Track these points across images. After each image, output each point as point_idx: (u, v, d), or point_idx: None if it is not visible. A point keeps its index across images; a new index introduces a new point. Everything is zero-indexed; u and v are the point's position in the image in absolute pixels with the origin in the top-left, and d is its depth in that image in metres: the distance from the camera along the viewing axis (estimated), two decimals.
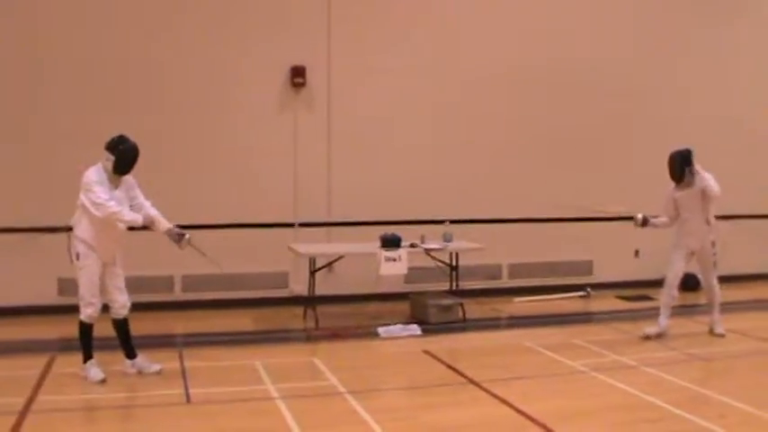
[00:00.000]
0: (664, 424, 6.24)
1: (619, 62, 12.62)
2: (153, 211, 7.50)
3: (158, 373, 7.59)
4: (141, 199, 7.55)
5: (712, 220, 9.15)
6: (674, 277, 9.27)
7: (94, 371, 7.34)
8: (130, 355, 7.65)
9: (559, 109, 12.33)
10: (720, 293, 9.48)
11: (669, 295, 9.30)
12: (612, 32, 12.63)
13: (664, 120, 12.54)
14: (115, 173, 7.28)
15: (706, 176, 8.97)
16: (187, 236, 7.41)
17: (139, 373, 7.58)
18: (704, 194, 9.01)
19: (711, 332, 9.44)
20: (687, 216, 9.18)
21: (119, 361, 7.72)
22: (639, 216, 9.34)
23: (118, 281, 7.49)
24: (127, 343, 7.64)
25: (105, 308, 7.50)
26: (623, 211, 9.55)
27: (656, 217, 9.41)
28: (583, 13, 12.52)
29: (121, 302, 7.50)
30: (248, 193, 11.05)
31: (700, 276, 9.56)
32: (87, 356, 7.39)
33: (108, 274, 7.41)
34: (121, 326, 7.58)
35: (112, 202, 7.11)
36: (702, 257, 9.27)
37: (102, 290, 7.43)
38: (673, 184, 9.22)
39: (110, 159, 7.23)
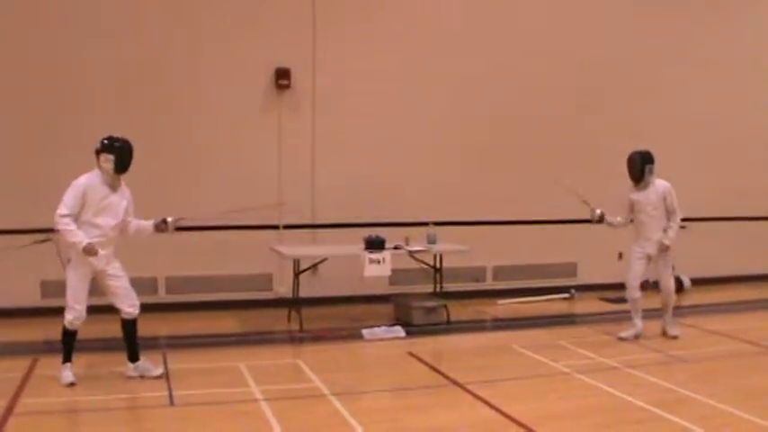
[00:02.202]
0: (646, 425, 6.27)
1: (613, 63, 12.72)
2: (135, 222, 7.69)
3: (160, 376, 7.54)
4: (131, 216, 7.65)
5: (671, 235, 9.24)
6: (632, 280, 9.35)
7: (66, 374, 7.29)
8: (133, 357, 7.61)
9: (543, 111, 12.36)
10: (675, 297, 9.65)
11: (632, 299, 9.39)
12: (606, 33, 12.74)
13: (649, 123, 12.59)
14: (116, 172, 7.32)
15: (668, 187, 9.24)
16: (169, 219, 7.74)
17: (141, 376, 7.54)
18: (664, 203, 9.21)
19: (664, 334, 9.50)
20: (643, 219, 9.30)
21: (107, 363, 7.75)
22: (598, 211, 9.42)
23: (119, 282, 7.46)
24: (131, 345, 7.60)
25: (101, 310, 7.51)
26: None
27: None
28: (570, 17, 12.58)
29: (128, 302, 7.48)
30: (232, 195, 10.96)
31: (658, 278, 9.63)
32: (66, 359, 7.36)
33: (107, 278, 7.40)
34: (127, 327, 7.55)
35: (67, 220, 7.10)
36: (659, 261, 9.34)
37: (108, 295, 7.50)
38: (631, 185, 9.34)
39: (109, 160, 7.25)
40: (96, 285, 7.44)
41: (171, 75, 10.83)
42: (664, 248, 9.22)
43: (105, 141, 7.32)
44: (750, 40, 13.84)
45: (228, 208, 10.33)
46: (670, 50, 13.07)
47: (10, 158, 10.24)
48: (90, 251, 7.06)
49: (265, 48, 11.15)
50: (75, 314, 7.22)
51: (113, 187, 7.35)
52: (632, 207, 9.36)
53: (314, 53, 11.40)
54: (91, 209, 7.19)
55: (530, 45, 12.29)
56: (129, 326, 7.55)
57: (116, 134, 7.42)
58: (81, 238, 7.07)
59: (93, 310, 7.37)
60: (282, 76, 11.23)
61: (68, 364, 7.35)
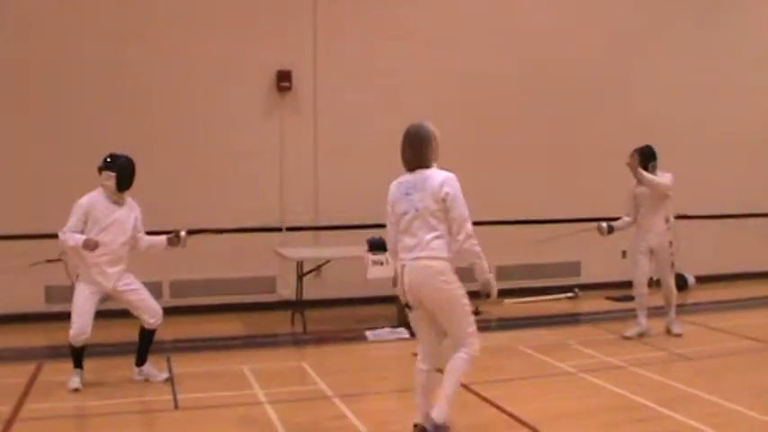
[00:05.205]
0: (652, 424, 6.26)
1: (616, 60, 12.76)
2: (147, 239, 7.66)
3: (165, 381, 7.56)
4: (141, 231, 7.63)
5: (671, 219, 9.28)
6: (640, 277, 9.36)
7: (73, 379, 7.29)
8: (139, 362, 7.62)
9: (546, 111, 12.36)
10: (677, 294, 9.63)
11: (640, 295, 9.38)
12: (609, 30, 12.74)
13: (653, 120, 12.56)
14: (119, 189, 7.31)
15: (659, 174, 9.19)
16: (182, 233, 7.68)
17: (146, 380, 7.56)
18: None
19: (668, 332, 9.49)
20: (645, 213, 9.30)
21: (112, 367, 7.79)
22: (604, 225, 9.44)
23: (136, 295, 7.44)
24: (142, 351, 7.61)
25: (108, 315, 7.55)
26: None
27: (617, 219, 9.51)
28: (571, 15, 12.59)
29: (150, 313, 7.48)
30: (235, 198, 11.03)
31: (658, 276, 9.61)
32: (76, 365, 7.36)
33: (122, 294, 7.40)
34: (145, 334, 7.57)
35: (66, 234, 7.11)
36: (660, 257, 9.35)
37: (129, 309, 7.52)
38: (634, 182, 9.31)
39: (110, 177, 7.25)
40: (107, 299, 7.45)
41: (172, 78, 10.84)
42: (667, 242, 9.26)
43: (107, 159, 7.33)
44: (755, 35, 13.83)
45: (232, 212, 10.46)
46: (674, 46, 13.10)
47: (12, 164, 10.25)
48: (89, 245, 7.04)
49: (266, 50, 11.15)
50: (76, 329, 7.19)
51: (118, 203, 7.35)
52: (635, 201, 9.37)
53: (315, 55, 11.40)
54: (96, 226, 7.19)
55: (531, 43, 12.26)
56: (147, 334, 7.58)
57: (118, 145, 7.49)
58: (77, 238, 7.08)
59: (97, 315, 7.34)
60: (284, 79, 11.23)
61: (78, 370, 7.35)
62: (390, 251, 6.04)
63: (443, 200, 5.67)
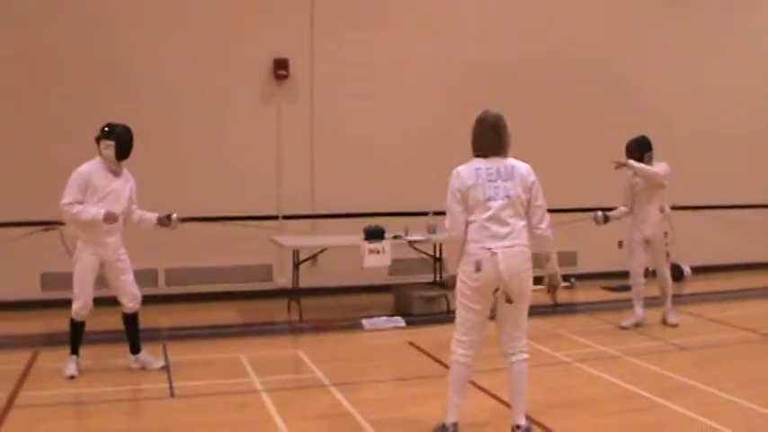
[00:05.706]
0: (647, 413, 6.27)
1: (619, 53, 12.76)
2: (139, 212, 7.66)
3: (162, 369, 7.55)
4: (135, 203, 7.62)
5: (666, 209, 9.27)
6: (636, 267, 9.36)
7: (70, 366, 7.28)
8: (134, 350, 7.61)
9: (546, 100, 12.31)
10: (672, 284, 9.60)
11: (636, 285, 9.39)
12: (596, 27, 12.70)
13: (652, 110, 12.55)
14: (118, 158, 7.28)
15: (655, 164, 9.17)
16: (173, 215, 7.72)
17: (143, 368, 7.55)
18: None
19: (664, 322, 9.50)
20: (640, 203, 9.30)
21: (109, 354, 7.80)
22: (599, 214, 9.45)
23: (123, 276, 7.40)
24: (132, 338, 7.59)
25: (104, 302, 7.51)
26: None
27: (612, 209, 9.52)
28: (566, 6, 12.56)
29: (129, 297, 7.45)
30: (232, 186, 11.02)
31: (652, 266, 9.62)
32: (72, 350, 7.36)
33: (113, 269, 7.35)
34: (128, 321, 7.54)
35: (73, 207, 7.05)
36: (655, 247, 9.34)
37: (111, 287, 7.46)
38: (630, 172, 9.27)
39: (109, 146, 7.21)
40: (102, 277, 7.42)
41: (169, 65, 10.81)
42: (662, 232, 9.26)
43: (105, 128, 7.29)
44: (755, 35, 13.83)
45: (228, 200, 10.44)
46: (674, 46, 13.08)
47: (9, 151, 10.23)
48: (110, 218, 7.02)
49: (263, 38, 11.13)
50: (80, 302, 7.19)
51: (116, 174, 7.32)
52: (631, 191, 9.37)
53: (312, 43, 11.38)
54: (95, 196, 7.14)
55: (533, 33, 12.24)
56: (130, 320, 7.54)
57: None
58: (96, 210, 7.03)
59: (95, 302, 7.33)
60: (281, 67, 11.21)
61: (74, 357, 7.34)
62: (457, 237, 5.72)
63: (530, 189, 5.73)
